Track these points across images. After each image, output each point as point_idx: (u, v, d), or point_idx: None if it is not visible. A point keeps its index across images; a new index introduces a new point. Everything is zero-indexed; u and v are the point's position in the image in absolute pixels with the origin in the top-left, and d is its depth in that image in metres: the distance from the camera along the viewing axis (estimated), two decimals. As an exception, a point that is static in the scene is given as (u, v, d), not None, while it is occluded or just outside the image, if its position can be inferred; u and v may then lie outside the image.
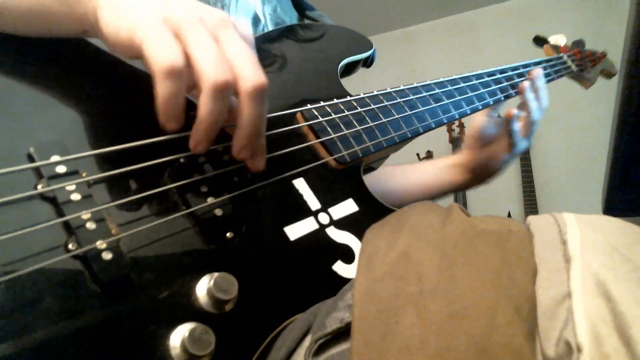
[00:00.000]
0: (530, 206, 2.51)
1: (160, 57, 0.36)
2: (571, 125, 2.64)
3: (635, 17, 0.72)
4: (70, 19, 0.42)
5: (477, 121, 0.86)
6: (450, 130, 2.98)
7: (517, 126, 0.80)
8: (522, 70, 0.87)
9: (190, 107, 0.40)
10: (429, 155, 3.04)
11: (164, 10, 0.38)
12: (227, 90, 0.38)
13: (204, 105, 0.38)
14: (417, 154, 2.99)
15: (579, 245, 0.32)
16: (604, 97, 2.33)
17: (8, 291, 0.30)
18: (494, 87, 0.80)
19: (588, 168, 2.53)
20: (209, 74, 0.37)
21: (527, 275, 0.32)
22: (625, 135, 0.81)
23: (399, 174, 0.90)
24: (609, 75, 1.09)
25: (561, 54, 1.03)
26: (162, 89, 0.37)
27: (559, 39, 1.07)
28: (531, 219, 0.38)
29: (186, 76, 0.37)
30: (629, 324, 0.26)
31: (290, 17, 0.81)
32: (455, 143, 2.96)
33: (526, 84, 0.81)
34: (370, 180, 0.75)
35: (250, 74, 0.39)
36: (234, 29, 0.41)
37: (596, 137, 2.53)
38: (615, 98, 0.85)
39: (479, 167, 0.86)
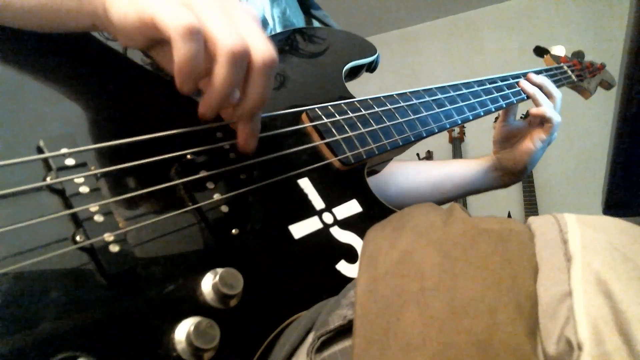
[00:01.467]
0: (530, 206, 2.51)
1: (177, 19, 0.36)
2: (571, 126, 2.64)
3: (635, 17, 0.72)
4: (79, 14, 0.42)
5: (499, 125, 0.91)
6: (450, 131, 2.98)
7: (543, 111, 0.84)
8: (523, 79, 0.89)
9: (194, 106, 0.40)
10: (429, 156, 3.05)
11: None
12: (242, 58, 0.38)
13: (220, 72, 0.38)
14: (417, 154, 2.99)
15: (580, 244, 0.32)
16: (604, 98, 2.34)
17: (16, 281, 0.31)
18: (495, 94, 0.81)
19: (588, 168, 2.53)
20: (226, 41, 0.37)
21: (528, 273, 0.33)
22: (625, 135, 0.81)
23: (423, 172, 0.92)
24: (607, 86, 1.12)
25: (561, 64, 1.05)
26: (182, 50, 0.37)
27: (558, 50, 1.10)
28: (532, 219, 0.38)
29: (203, 40, 0.37)
30: (630, 323, 0.27)
31: (298, 20, 0.82)
32: (455, 143, 2.97)
33: (523, 82, 0.86)
34: (386, 178, 0.76)
35: (263, 47, 0.39)
36: (243, 9, 0.41)
37: (596, 137, 2.53)
38: (615, 98, 0.85)
39: (511, 166, 0.89)
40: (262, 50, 0.39)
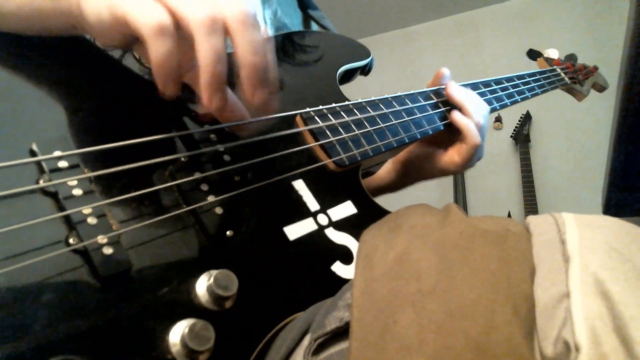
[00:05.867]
0: (530, 206, 2.51)
1: (146, 18, 0.36)
2: (571, 126, 2.64)
3: (635, 17, 0.72)
4: (57, 15, 0.42)
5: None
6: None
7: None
8: (517, 81, 0.88)
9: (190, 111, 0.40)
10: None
11: None
12: (217, 24, 0.37)
13: (202, 47, 0.37)
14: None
15: (578, 245, 0.32)
16: (604, 97, 2.34)
17: (8, 284, 0.31)
18: (500, 93, 0.81)
19: (588, 168, 2.53)
20: (195, 16, 0.37)
21: (525, 274, 0.33)
22: (624, 135, 0.81)
23: None
24: (600, 89, 1.13)
25: (554, 67, 1.06)
26: (155, 49, 0.36)
27: (552, 53, 1.11)
28: (530, 218, 0.38)
29: (176, 34, 0.37)
30: (627, 324, 0.27)
31: (292, 19, 0.81)
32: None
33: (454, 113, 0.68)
34: None
35: (234, 4, 0.38)
36: None
37: (596, 137, 2.53)
38: (615, 98, 0.85)
39: (414, 164, 0.74)
40: (235, 6, 0.38)
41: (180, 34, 0.38)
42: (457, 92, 0.69)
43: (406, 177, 0.77)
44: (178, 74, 0.38)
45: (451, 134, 0.69)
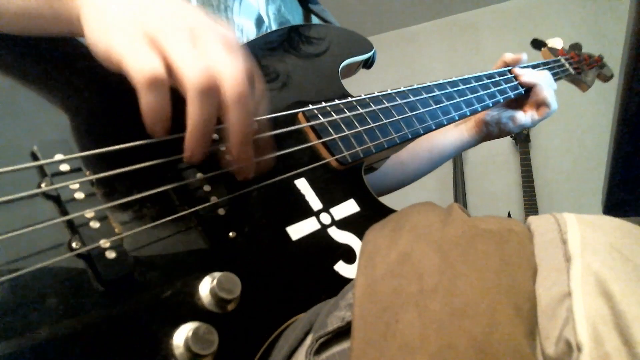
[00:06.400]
0: (530, 206, 2.51)
1: (140, 69, 0.36)
2: (571, 125, 2.63)
3: (635, 17, 0.72)
4: (56, 21, 0.42)
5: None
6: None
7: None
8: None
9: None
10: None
11: (139, 19, 0.38)
12: (211, 92, 0.37)
13: (192, 110, 0.37)
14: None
15: (580, 244, 0.32)
16: (604, 97, 2.34)
17: (12, 290, 0.31)
18: (492, 89, 0.81)
19: (588, 168, 2.53)
20: (190, 78, 0.36)
21: (527, 274, 0.33)
22: (625, 134, 0.81)
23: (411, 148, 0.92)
24: (605, 78, 1.11)
25: (559, 57, 1.04)
26: (146, 100, 0.36)
27: (556, 42, 1.09)
28: (531, 219, 0.38)
29: (168, 85, 0.37)
30: (629, 324, 0.27)
31: (294, 16, 0.81)
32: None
33: (519, 71, 0.87)
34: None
35: (231, 74, 0.38)
36: (212, 30, 0.40)
37: (596, 137, 2.53)
38: (615, 98, 0.85)
39: (492, 123, 0.89)
40: (232, 78, 0.38)
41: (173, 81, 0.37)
42: (529, 76, 0.86)
43: (488, 136, 0.91)
44: (166, 120, 0.38)
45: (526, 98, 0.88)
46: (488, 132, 0.91)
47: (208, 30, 0.39)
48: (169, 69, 0.37)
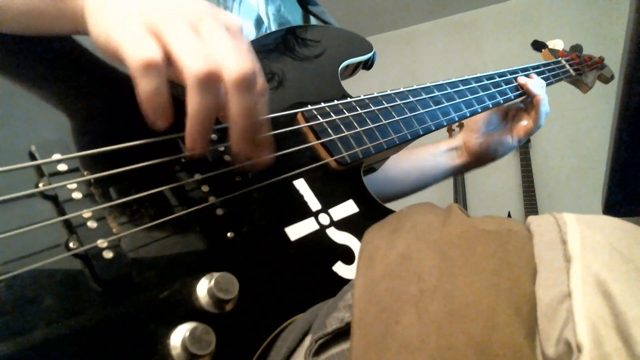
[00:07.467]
0: (530, 206, 2.51)
1: (136, 54, 0.35)
2: (571, 125, 2.63)
3: (635, 17, 0.71)
4: (61, 20, 0.42)
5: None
6: (450, 130, 2.98)
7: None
8: (520, 74, 0.89)
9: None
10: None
11: (141, 9, 0.37)
12: (211, 82, 0.36)
13: (191, 100, 0.37)
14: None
15: (579, 245, 0.32)
16: (604, 97, 2.33)
17: (9, 290, 0.30)
18: (492, 90, 0.80)
19: (588, 168, 2.53)
20: (190, 66, 0.36)
21: (526, 275, 0.33)
22: (625, 135, 0.81)
23: (398, 158, 0.91)
24: (605, 80, 1.11)
25: (559, 58, 1.04)
26: (141, 86, 0.36)
27: (556, 44, 1.09)
28: (531, 219, 0.38)
29: (165, 71, 0.36)
30: (629, 324, 0.27)
31: (294, 16, 0.81)
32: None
33: (523, 79, 0.86)
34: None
35: (234, 62, 0.37)
36: (215, 19, 0.39)
37: (596, 137, 2.53)
38: (615, 98, 0.85)
39: (482, 151, 0.89)
40: (234, 65, 0.37)
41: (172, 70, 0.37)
42: (536, 87, 0.86)
43: (472, 164, 0.92)
44: (165, 109, 0.37)
45: (518, 111, 0.89)
46: (477, 160, 0.91)
47: (211, 18, 0.39)
48: (169, 59, 0.36)
